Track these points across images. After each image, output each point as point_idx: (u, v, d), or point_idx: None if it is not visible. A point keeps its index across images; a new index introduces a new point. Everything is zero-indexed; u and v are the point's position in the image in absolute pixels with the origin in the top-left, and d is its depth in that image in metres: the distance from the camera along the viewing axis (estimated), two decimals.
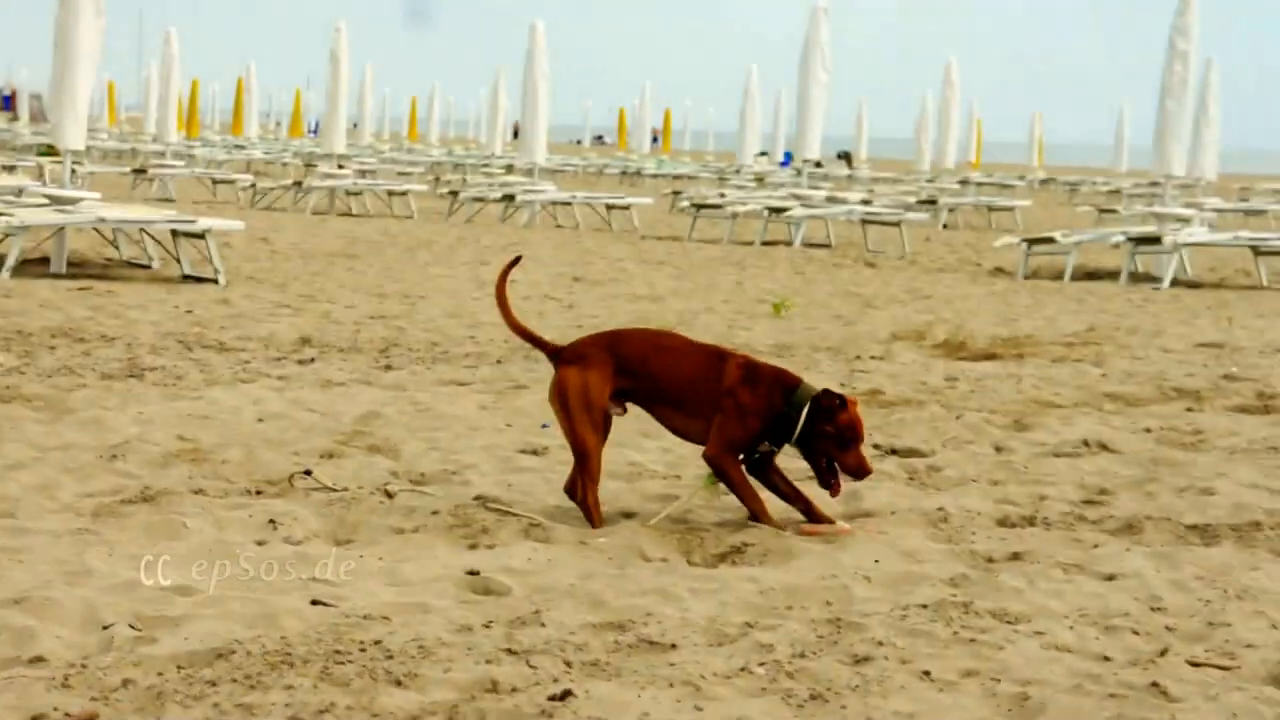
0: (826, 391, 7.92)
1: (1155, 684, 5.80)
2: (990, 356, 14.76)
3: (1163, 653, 6.20)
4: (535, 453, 9.64)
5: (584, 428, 7.96)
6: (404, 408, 10.87)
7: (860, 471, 7.94)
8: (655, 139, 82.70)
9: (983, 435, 10.68)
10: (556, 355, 8.16)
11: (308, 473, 8.61)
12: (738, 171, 51.01)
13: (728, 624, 6.39)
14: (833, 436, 7.89)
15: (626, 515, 8.16)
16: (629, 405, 8.18)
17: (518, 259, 8.84)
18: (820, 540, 7.75)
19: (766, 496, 8.06)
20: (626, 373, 8.05)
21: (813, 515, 8.02)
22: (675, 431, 8.26)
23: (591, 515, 7.94)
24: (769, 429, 7.93)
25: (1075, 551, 7.72)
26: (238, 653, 5.72)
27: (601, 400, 7.99)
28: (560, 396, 8.03)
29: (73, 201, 19.14)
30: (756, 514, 7.97)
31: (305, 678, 5.55)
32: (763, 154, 58.58)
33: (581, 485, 8.01)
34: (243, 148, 60.01)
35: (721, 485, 8.09)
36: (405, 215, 34.11)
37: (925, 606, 6.67)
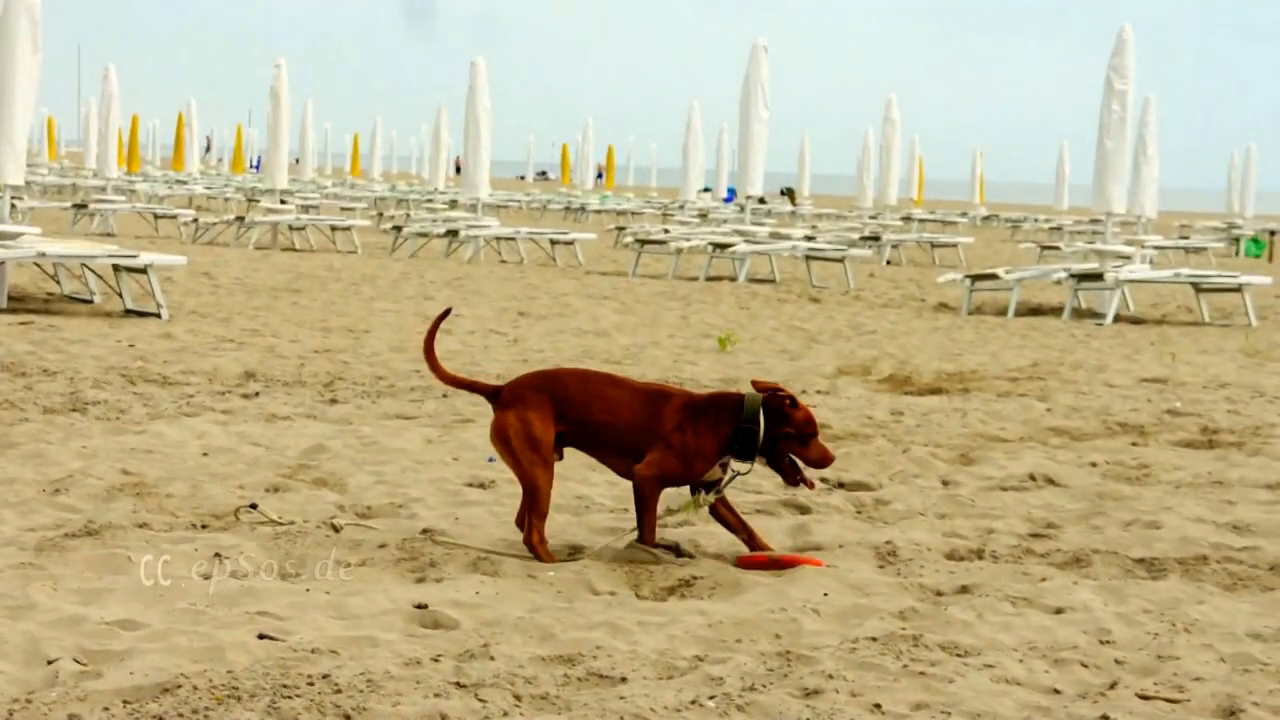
0: (773, 393, 7.95)
1: (1105, 716, 5.81)
2: (935, 391, 14.79)
3: (1112, 685, 6.21)
4: (482, 486, 9.61)
5: (533, 466, 7.91)
6: (349, 441, 10.82)
7: (824, 461, 8.01)
8: (600, 175, 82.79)
9: (929, 469, 10.70)
10: (495, 396, 8.11)
11: (253, 506, 8.55)
12: (681, 207, 51.06)
13: (677, 657, 6.36)
14: (793, 435, 7.94)
15: (575, 549, 8.13)
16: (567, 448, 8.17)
17: (447, 311, 8.77)
18: (770, 574, 7.74)
19: (720, 530, 8.06)
20: (564, 419, 8.01)
21: (755, 544, 8.03)
22: (618, 473, 8.23)
23: (538, 553, 7.89)
24: (731, 449, 7.94)
25: (1023, 585, 7.73)
26: (184, 687, 5.67)
27: (547, 438, 7.95)
28: (502, 439, 7.98)
29: (13, 236, 19.00)
30: (646, 541, 7.94)
31: (252, 712, 5.50)
32: (706, 190, 58.70)
33: (527, 523, 7.96)
34: (184, 183, 59.81)
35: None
36: (349, 250, 34.03)
37: (875, 639, 6.67)
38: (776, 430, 7.92)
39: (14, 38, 18.96)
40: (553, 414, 7.98)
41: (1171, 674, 6.39)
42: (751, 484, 9.92)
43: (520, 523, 8.07)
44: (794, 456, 7.98)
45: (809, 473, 8.04)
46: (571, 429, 8.02)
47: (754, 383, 8.13)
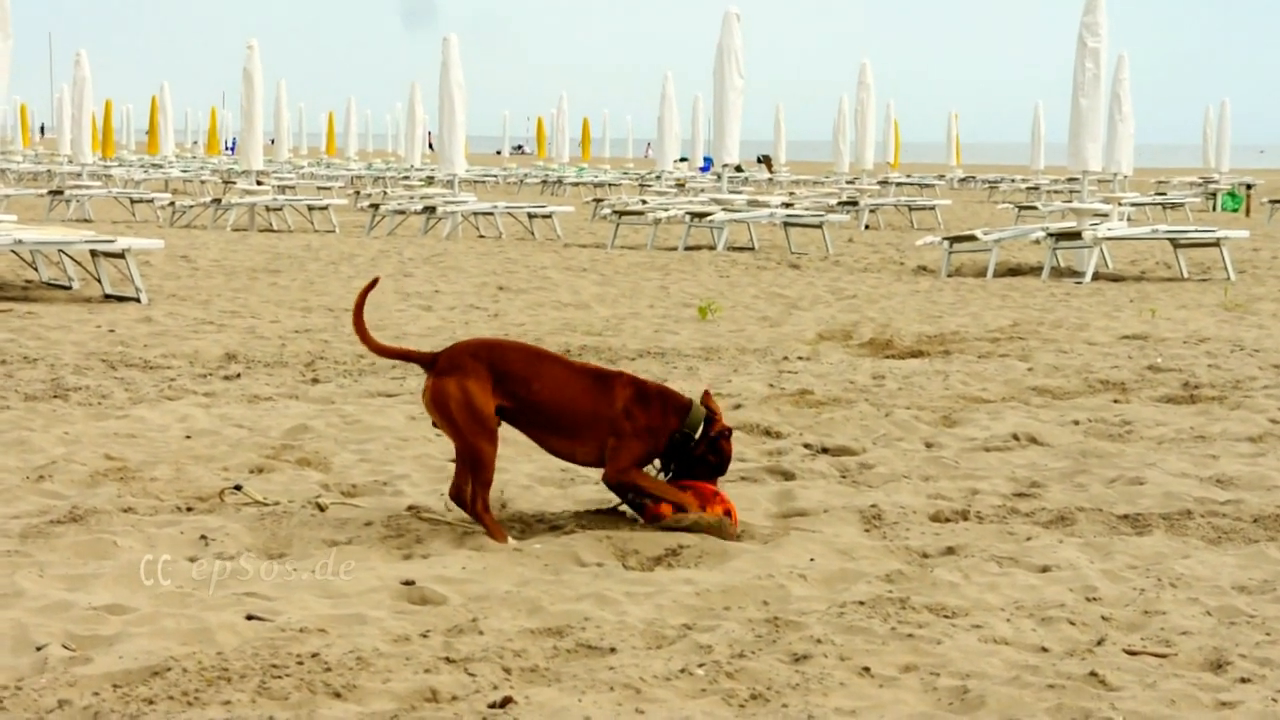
0: (723, 429, 7.98)
1: (1093, 673, 5.83)
2: (917, 354, 14.81)
3: (1099, 642, 6.23)
4: None
5: (476, 436, 7.79)
6: (332, 420, 10.81)
7: (705, 491, 7.97)
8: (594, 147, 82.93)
9: (912, 432, 10.72)
10: (431, 364, 7.97)
11: (238, 488, 8.55)
12: (658, 178, 51.03)
13: (666, 626, 6.38)
14: (714, 465, 7.98)
15: (558, 522, 8.12)
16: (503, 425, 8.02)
17: (375, 281, 8.47)
18: (756, 540, 7.75)
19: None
20: (505, 392, 7.85)
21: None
22: (554, 454, 8.09)
23: (485, 523, 7.78)
24: (664, 449, 7.94)
25: (1009, 544, 7.75)
26: (174, 670, 5.67)
27: (488, 407, 7.80)
28: (441, 407, 7.84)
29: None
30: (683, 504, 7.90)
31: (243, 692, 5.51)
32: (682, 159, 58.65)
33: (473, 493, 7.83)
34: (160, 167, 59.67)
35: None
36: (326, 230, 33.98)
37: (862, 603, 6.68)
38: (705, 453, 7.93)
39: None
40: (491, 385, 7.83)
41: (1159, 629, 6.42)
42: (736, 451, 9.93)
43: (455, 496, 7.94)
44: (696, 479, 7.97)
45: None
46: (512, 404, 7.86)
47: (706, 397, 8.08)
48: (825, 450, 10.16)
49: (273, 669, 5.71)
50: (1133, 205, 38.46)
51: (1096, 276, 23.61)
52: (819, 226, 29.67)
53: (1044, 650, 6.17)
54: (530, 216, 33.38)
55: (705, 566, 7.33)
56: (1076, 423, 11.12)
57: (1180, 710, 5.55)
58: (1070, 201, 34.31)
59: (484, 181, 62.53)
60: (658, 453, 7.98)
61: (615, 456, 7.88)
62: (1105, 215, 26.30)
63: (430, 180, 49.84)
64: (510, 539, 7.71)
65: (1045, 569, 7.33)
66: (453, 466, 9.35)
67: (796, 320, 17.63)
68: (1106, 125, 27.43)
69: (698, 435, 7.92)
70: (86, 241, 19.06)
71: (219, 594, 6.67)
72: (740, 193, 41.41)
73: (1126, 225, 27.51)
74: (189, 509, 8.31)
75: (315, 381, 12.66)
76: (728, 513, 7.89)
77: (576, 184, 60.72)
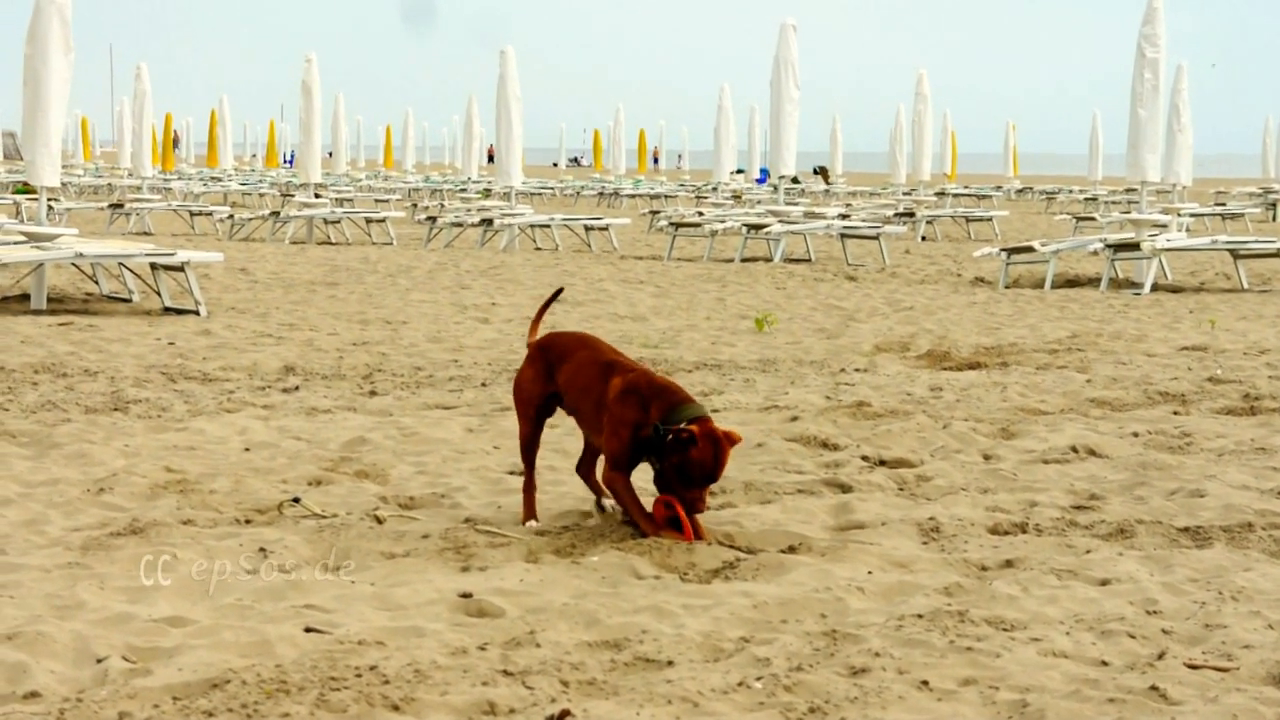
0: (695, 425, 7.69)
1: (1154, 687, 5.79)
2: (974, 366, 14.76)
3: (1160, 656, 6.19)
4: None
5: (520, 420, 8.44)
6: (390, 433, 10.84)
7: (692, 508, 7.80)
8: (656, 159, 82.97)
9: (970, 444, 10.68)
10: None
11: (296, 500, 8.58)
12: (714, 189, 51.04)
13: (723, 639, 6.37)
14: (678, 468, 7.71)
15: (616, 533, 8.09)
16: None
17: (559, 291, 9.28)
18: (814, 553, 7.73)
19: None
20: (553, 379, 8.30)
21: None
22: (591, 442, 8.42)
23: (523, 502, 8.33)
24: (644, 445, 7.84)
25: (1068, 557, 7.71)
26: (233, 682, 5.69)
27: (533, 394, 8.31)
28: (513, 390, 8.56)
29: (50, 238, 19.08)
30: (641, 528, 7.88)
31: (301, 705, 5.52)
32: (739, 171, 58.59)
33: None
34: (219, 180, 59.93)
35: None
36: (384, 242, 34.07)
37: (920, 616, 6.66)
38: (672, 454, 7.71)
39: (46, 40, 19.01)
40: (544, 373, 8.29)
41: (1220, 642, 6.37)
42: (792, 464, 9.93)
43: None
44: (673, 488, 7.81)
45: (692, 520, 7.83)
46: (560, 390, 8.28)
47: (696, 420, 7.74)
48: (883, 462, 10.13)
49: (331, 681, 5.72)
50: (1192, 216, 38.23)
51: (1155, 288, 23.48)
52: (876, 238, 29.63)
53: (1104, 664, 6.13)
54: (587, 229, 33.41)
55: (763, 579, 7.32)
56: (1136, 435, 11.06)
57: None
58: (1128, 212, 34.15)
59: (540, 194, 62.62)
60: (640, 451, 7.86)
61: (606, 450, 8.00)
62: (1164, 226, 26.18)
63: (487, 193, 49.96)
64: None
65: (1105, 582, 7.29)
66: (510, 478, 9.39)
67: (853, 332, 17.59)
68: (1165, 136, 27.29)
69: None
70: (146, 254, 19.18)
71: (277, 606, 6.69)
72: (797, 204, 41.37)
73: (1185, 236, 27.36)
74: (248, 521, 8.35)
75: (373, 394, 12.70)
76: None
77: (633, 196, 60.75)
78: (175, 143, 67.64)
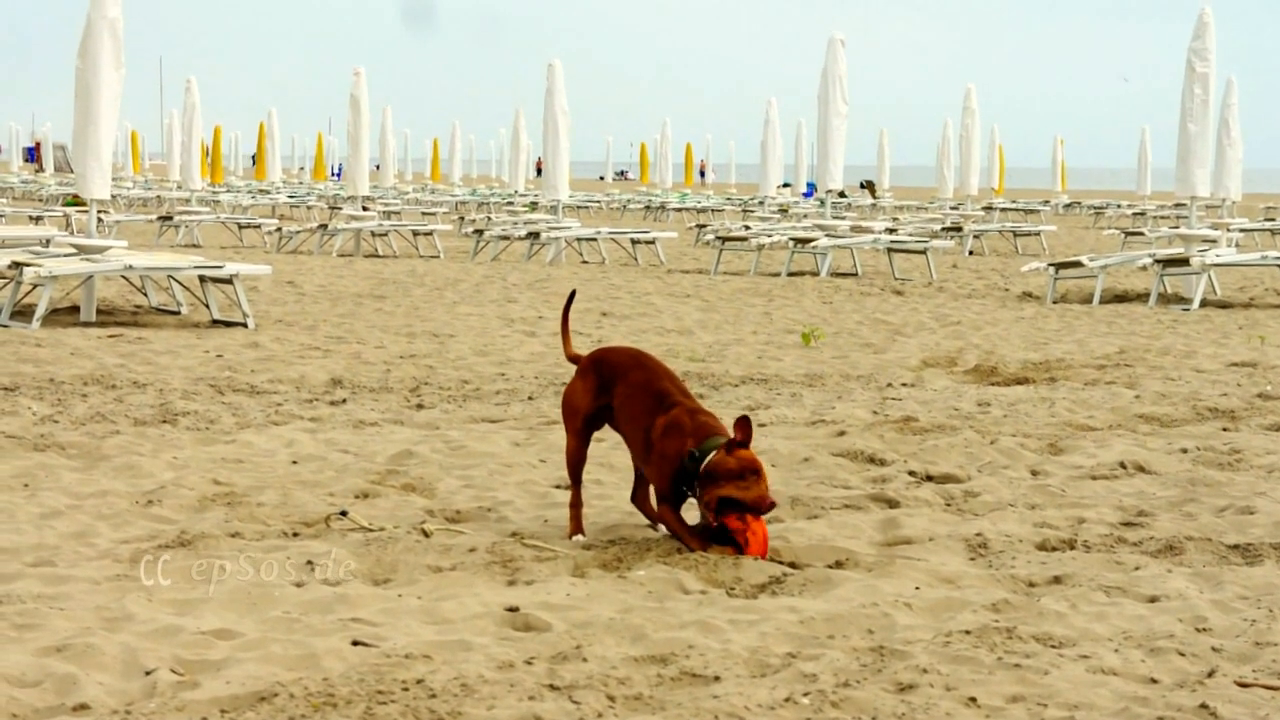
0: (719, 453, 7.71)
1: (1204, 705, 5.76)
2: (1022, 381, 14.72)
3: (1210, 674, 6.15)
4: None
5: (568, 434, 8.43)
6: (437, 446, 10.86)
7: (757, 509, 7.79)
8: (703, 173, 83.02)
9: (1018, 460, 10.64)
10: (575, 363, 8.62)
11: (343, 513, 8.60)
12: (761, 203, 51.05)
13: (770, 655, 6.35)
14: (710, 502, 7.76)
15: (662, 548, 8.09)
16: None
17: (573, 295, 9.29)
18: (861, 569, 7.72)
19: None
20: (604, 394, 8.27)
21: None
22: (634, 461, 8.38)
23: (570, 516, 8.34)
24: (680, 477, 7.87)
25: (1117, 574, 7.68)
26: (280, 695, 5.70)
27: (582, 408, 8.30)
28: (561, 403, 8.55)
29: (100, 250, 19.18)
30: (690, 548, 7.88)
31: (348, 718, 5.53)
32: (785, 185, 58.58)
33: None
34: (267, 192, 60.17)
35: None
36: (431, 255, 34.15)
37: (968, 632, 6.64)
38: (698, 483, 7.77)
39: (97, 55, 19.12)
40: (595, 388, 8.27)
41: (1270, 660, 6.33)
42: (839, 478, 9.91)
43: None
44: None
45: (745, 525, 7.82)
46: (611, 406, 8.26)
47: (739, 424, 7.73)
48: (930, 478, 10.10)
49: (378, 695, 5.73)
50: (1241, 231, 38.06)
51: (1204, 303, 23.37)
52: (923, 252, 29.59)
53: (1153, 681, 6.10)
54: (633, 242, 33.42)
55: (809, 594, 7.30)
56: (1185, 451, 11.01)
57: None
58: (1177, 227, 34.03)
59: (587, 207, 62.69)
60: (680, 483, 7.89)
61: (654, 485, 8.07)
62: (1213, 241, 26.06)
63: (534, 206, 50.04)
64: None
65: (1154, 599, 7.25)
66: (556, 492, 9.39)
67: (900, 347, 17.56)
68: (1215, 150, 27.18)
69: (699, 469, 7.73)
70: (195, 267, 19.26)
71: (324, 619, 6.71)
72: (844, 218, 41.32)
73: (1235, 251, 27.24)
74: (295, 534, 8.37)
75: (420, 407, 12.72)
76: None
77: (679, 209, 60.78)
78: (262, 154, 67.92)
